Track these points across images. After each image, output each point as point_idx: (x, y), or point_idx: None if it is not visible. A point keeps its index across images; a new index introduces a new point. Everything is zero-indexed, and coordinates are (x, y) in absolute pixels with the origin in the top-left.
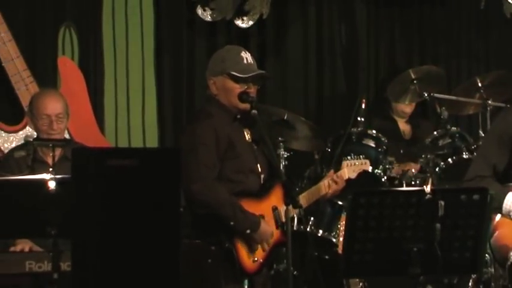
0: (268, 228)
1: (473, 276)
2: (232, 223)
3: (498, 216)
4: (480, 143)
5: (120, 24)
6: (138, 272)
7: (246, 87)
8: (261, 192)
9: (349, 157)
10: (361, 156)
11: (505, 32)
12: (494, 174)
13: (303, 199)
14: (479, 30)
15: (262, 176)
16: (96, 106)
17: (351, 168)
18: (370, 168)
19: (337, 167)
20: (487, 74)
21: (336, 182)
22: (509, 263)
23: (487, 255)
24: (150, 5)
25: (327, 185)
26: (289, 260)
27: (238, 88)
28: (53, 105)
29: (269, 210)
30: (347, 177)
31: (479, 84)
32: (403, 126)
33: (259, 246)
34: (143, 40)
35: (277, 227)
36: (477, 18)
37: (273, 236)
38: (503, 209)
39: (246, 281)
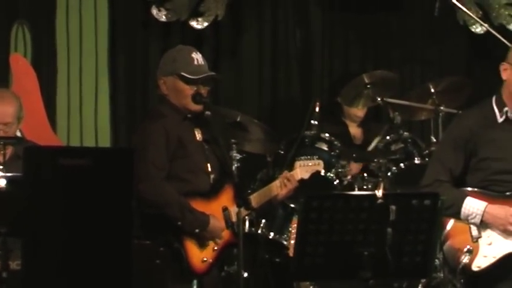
0: (218, 224)
1: (423, 280)
2: (180, 223)
3: (451, 222)
4: (432, 148)
5: (74, 22)
6: (90, 272)
7: (196, 88)
8: (211, 192)
9: (302, 157)
10: (314, 156)
11: (458, 39)
12: (451, 179)
13: (254, 199)
14: (433, 37)
15: (212, 176)
16: (49, 105)
17: (304, 168)
18: (322, 170)
19: (290, 170)
20: (440, 80)
21: (288, 182)
22: (460, 267)
23: (436, 260)
24: (105, 3)
25: (279, 186)
26: (240, 262)
27: (188, 89)
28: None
29: (219, 211)
30: (300, 177)
31: (432, 90)
32: (354, 130)
33: (210, 242)
34: (97, 39)
35: (227, 228)
36: (431, 24)
37: (224, 230)
38: (462, 213)
39: (195, 282)
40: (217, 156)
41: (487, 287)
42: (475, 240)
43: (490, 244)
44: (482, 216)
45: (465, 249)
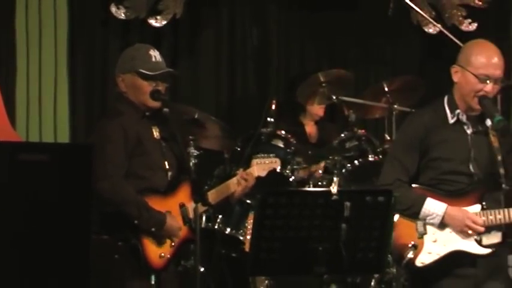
0: (175, 223)
1: (376, 276)
2: (136, 221)
3: (396, 217)
4: (386, 146)
5: (34, 20)
6: (49, 267)
7: (154, 84)
8: (168, 189)
9: (259, 155)
10: (271, 154)
11: (412, 39)
12: (408, 178)
13: (212, 196)
14: (387, 37)
15: (169, 173)
16: (8, 101)
17: (261, 166)
18: (279, 168)
19: (247, 166)
20: (394, 79)
21: (245, 180)
22: (404, 261)
23: (389, 255)
24: (64, 1)
25: (236, 183)
26: (197, 257)
27: (146, 86)
28: None
29: (176, 207)
30: (256, 175)
31: (386, 89)
32: (310, 129)
33: (167, 240)
34: (56, 36)
35: (184, 224)
36: (385, 24)
37: (180, 230)
38: (421, 213)
39: (153, 277)
40: (175, 153)
41: (430, 281)
42: (420, 236)
43: (435, 241)
44: (443, 217)
45: (410, 245)
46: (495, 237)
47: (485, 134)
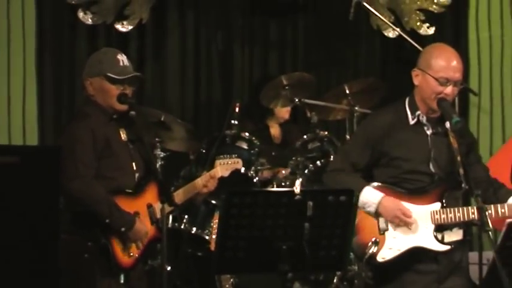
0: (143, 227)
1: (339, 273)
2: (108, 220)
3: (360, 214)
4: None
5: (2, 24)
6: (18, 267)
7: (121, 88)
8: (135, 190)
9: (222, 156)
10: (233, 155)
11: (372, 42)
12: (352, 171)
13: (178, 197)
14: (348, 40)
15: (136, 174)
16: None
17: (224, 166)
18: (242, 168)
19: (211, 167)
20: (355, 82)
21: (210, 180)
22: (366, 257)
23: (351, 253)
24: (32, 6)
25: (200, 183)
26: (163, 256)
27: (114, 89)
28: None
29: (144, 208)
30: (220, 175)
31: (347, 91)
32: (274, 131)
33: (133, 244)
34: (25, 41)
35: (151, 224)
36: (346, 28)
37: (147, 235)
38: (360, 201)
39: (122, 276)
40: (142, 155)
41: (393, 277)
42: (382, 232)
43: (395, 237)
44: (377, 206)
45: (372, 241)
46: (456, 235)
47: (445, 135)
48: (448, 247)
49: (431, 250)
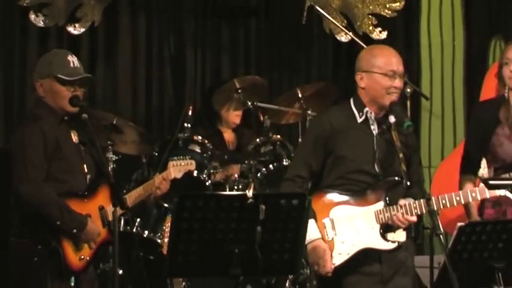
0: (95, 227)
1: (291, 277)
2: (58, 223)
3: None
4: None
5: None
6: None
7: (72, 89)
8: (87, 192)
9: (175, 158)
10: (187, 157)
11: (325, 46)
12: (310, 175)
13: (130, 199)
14: (301, 44)
15: (88, 176)
16: None
17: (177, 168)
18: (195, 170)
19: (164, 170)
20: (307, 86)
21: (162, 182)
22: None
23: (303, 257)
24: None
25: (153, 185)
26: (115, 259)
27: (65, 91)
28: None
29: (95, 210)
30: (173, 176)
31: (300, 95)
32: (228, 136)
33: (85, 245)
34: None
35: (103, 226)
36: (299, 32)
37: (100, 235)
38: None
39: (72, 279)
40: (93, 157)
41: (338, 280)
42: (330, 238)
43: (343, 242)
44: (308, 244)
45: None
46: (400, 236)
47: (388, 131)
48: (395, 245)
49: (380, 250)
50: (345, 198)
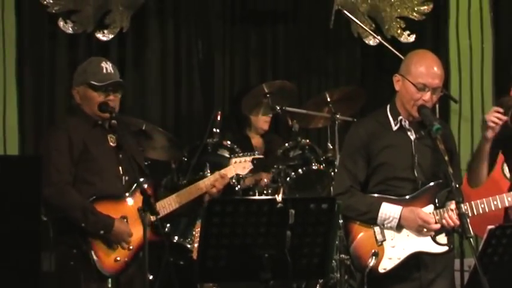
0: (124, 228)
1: (321, 281)
2: (83, 225)
3: (355, 226)
4: (329, 154)
5: None
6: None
7: (105, 95)
8: (122, 194)
9: (239, 154)
10: (249, 153)
11: (353, 50)
12: (359, 185)
13: (177, 198)
14: (329, 48)
15: (125, 178)
16: None
17: (240, 164)
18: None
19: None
20: (336, 90)
21: (218, 179)
22: (367, 269)
23: (333, 261)
24: (12, 15)
25: (209, 184)
26: (145, 265)
27: (97, 97)
28: None
29: (133, 212)
30: (234, 174)
31: (328, 99)
32: (256, 142)
33: (119, 246)
34: (5, 50)
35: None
36: (327, 36)
37: (130, 236)
38: (379, 218)
39: (109, 280)
40: (133, 160)
41: (390, 287)
42: (380, 243)
43: (393, 247)
44: (399, 220)
45: (371, 253)
46: (445, 239)
47: (428, 138)
48: (446, 248)
49: (431, 253)
50: (395, 202)
